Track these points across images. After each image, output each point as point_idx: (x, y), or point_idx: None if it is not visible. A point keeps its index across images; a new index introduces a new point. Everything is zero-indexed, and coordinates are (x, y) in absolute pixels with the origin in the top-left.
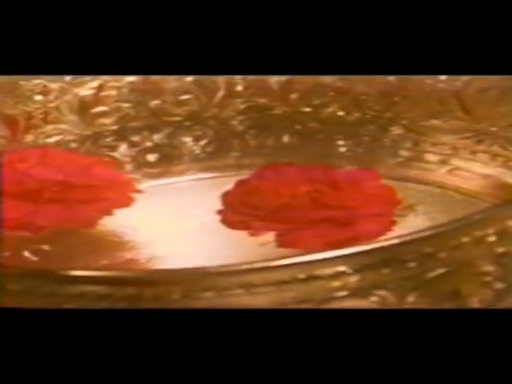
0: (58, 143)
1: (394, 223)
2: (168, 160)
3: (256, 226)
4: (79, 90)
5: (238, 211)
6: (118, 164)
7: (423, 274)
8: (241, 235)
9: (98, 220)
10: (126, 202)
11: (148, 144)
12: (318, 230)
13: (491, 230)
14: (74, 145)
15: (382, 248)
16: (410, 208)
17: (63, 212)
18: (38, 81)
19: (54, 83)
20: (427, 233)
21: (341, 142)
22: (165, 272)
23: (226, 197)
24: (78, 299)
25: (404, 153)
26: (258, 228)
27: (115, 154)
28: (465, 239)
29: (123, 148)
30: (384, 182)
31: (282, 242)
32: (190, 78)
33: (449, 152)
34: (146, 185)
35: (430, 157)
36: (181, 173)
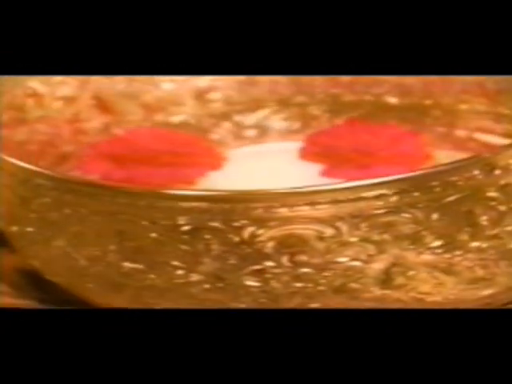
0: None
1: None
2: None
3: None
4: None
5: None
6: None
7: (445, 197)
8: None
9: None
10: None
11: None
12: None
13: (497, 166)
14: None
15: (415, 176)
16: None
17: (168, 173)
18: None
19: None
20: (448, 166)
21: None
22: (251, 191)
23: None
24: (187, 212)
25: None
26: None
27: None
28: (476, 172)
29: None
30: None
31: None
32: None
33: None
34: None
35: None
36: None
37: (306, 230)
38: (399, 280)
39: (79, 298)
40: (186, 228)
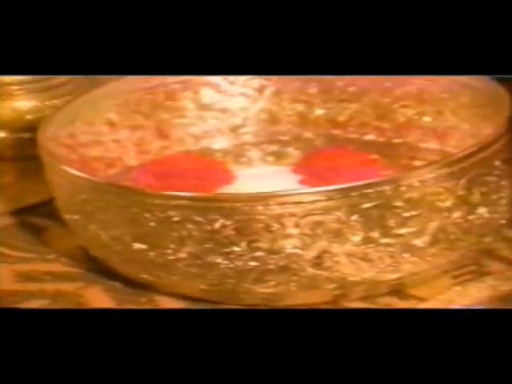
0: None
1: None
2: None
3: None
4: None
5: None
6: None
7: (362, 204)
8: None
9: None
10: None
11: None
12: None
13: (402, 184)
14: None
15: (342, 188)
16: None
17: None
18: None
19: None
20: (366, 182)
21: None
22: (223, 195)
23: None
24: (177, 208)
25: None
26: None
27: None
28: (387, 187)
29: None
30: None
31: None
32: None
33: None
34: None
35: None
36: None
37: (260, 224)
38: (327, 263)
39: (110, 268)
40: (175, 219)
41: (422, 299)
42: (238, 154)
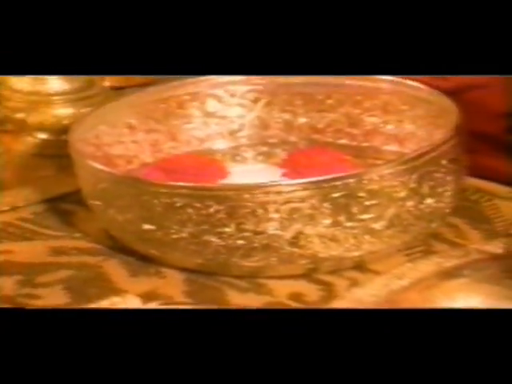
0: None
1: None
2: None
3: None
4: None
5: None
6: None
7: (332, 193)
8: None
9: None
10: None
11: None
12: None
13: (365, 178)
14: None
15: (315, 181)
16: None
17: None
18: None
19: None
20: (334, 176)
21: None
22: (215, 186)
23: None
24: (180, 196)
25: None
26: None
27: None
28: (352, 180)
29: None
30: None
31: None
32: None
33: None
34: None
35: None
36: None
37: (247, 209)
38: (302, 242)
39: (125, 245)
40: (178, 205)
41: (378, 273)
42: (234, 153)
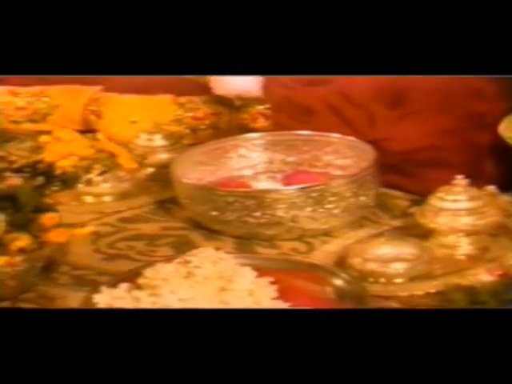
0: None
1: None
2: None
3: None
4: None
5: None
6: None
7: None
8: None
9: None
10: None
11: None
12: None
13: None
14: None
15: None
16: None
17: None
18: None
19: None
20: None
21: None
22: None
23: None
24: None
25: None
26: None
27: None
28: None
29: None
30: None
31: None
32: None
33: None
34: None
35: None
36: None
37: (265, 203)
38: (296, 220)
39: (202, 224)
40: (230, 200)
41: (337, 237)
42: (254, 177)
